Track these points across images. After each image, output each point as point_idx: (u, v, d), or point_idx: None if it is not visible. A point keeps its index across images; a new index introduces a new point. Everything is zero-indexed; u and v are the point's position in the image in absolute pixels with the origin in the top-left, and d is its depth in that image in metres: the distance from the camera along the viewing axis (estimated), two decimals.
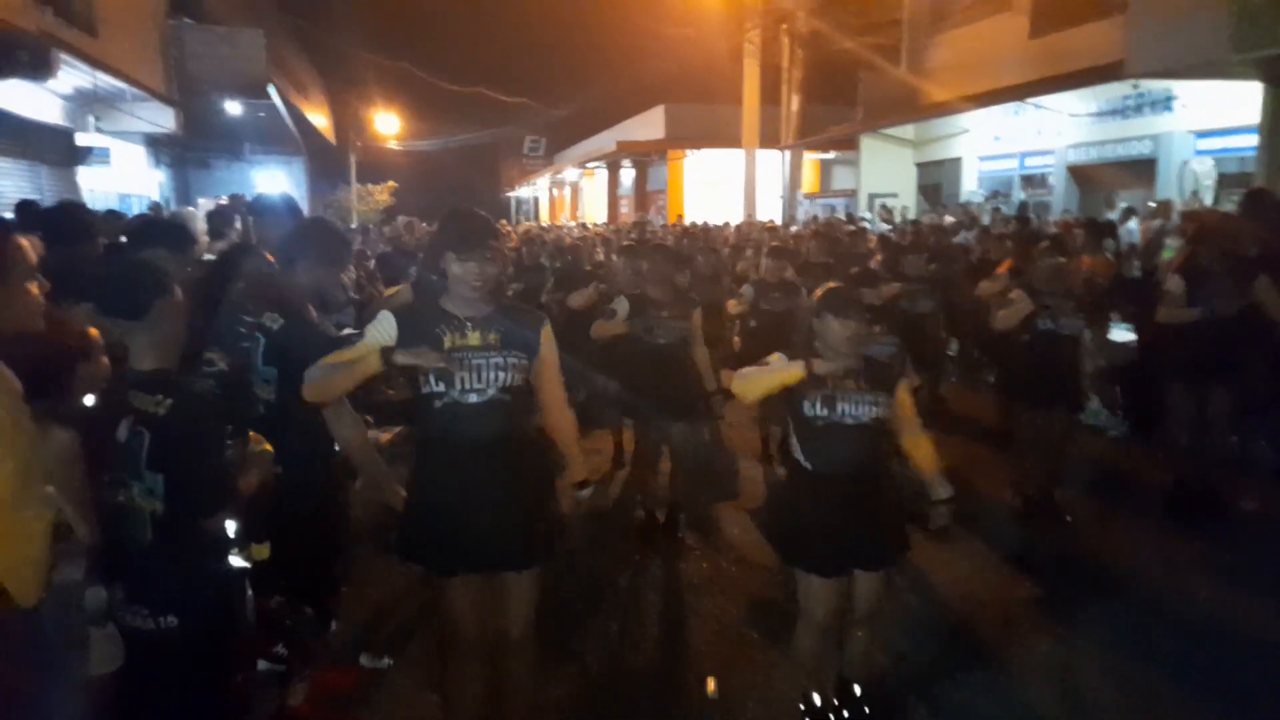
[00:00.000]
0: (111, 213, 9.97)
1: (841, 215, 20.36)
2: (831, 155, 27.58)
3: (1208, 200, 12.69)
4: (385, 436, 5.17)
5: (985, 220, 14.88)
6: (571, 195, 45.72)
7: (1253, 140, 11.81)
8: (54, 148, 14.16)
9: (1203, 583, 5.10)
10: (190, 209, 14.94)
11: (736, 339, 8.36)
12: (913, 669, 4.22)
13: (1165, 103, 14.58)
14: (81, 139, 14.88)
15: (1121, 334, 8.02)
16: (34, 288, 2.64)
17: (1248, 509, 6.06)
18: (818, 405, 3.38)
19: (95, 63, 12.40)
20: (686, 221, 20.99)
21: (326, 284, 3.99)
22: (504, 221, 25.31)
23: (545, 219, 44.56)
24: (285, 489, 3.15)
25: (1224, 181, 13.36)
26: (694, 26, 23.37)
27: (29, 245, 2.67)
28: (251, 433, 2.94)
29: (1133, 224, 12.17)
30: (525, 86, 40.39)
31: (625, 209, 34.78)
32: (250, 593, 2.96)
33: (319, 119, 29.86)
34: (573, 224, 27.96)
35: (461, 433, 2.99)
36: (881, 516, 3.50)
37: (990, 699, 4.01)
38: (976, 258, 10.18)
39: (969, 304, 8.12)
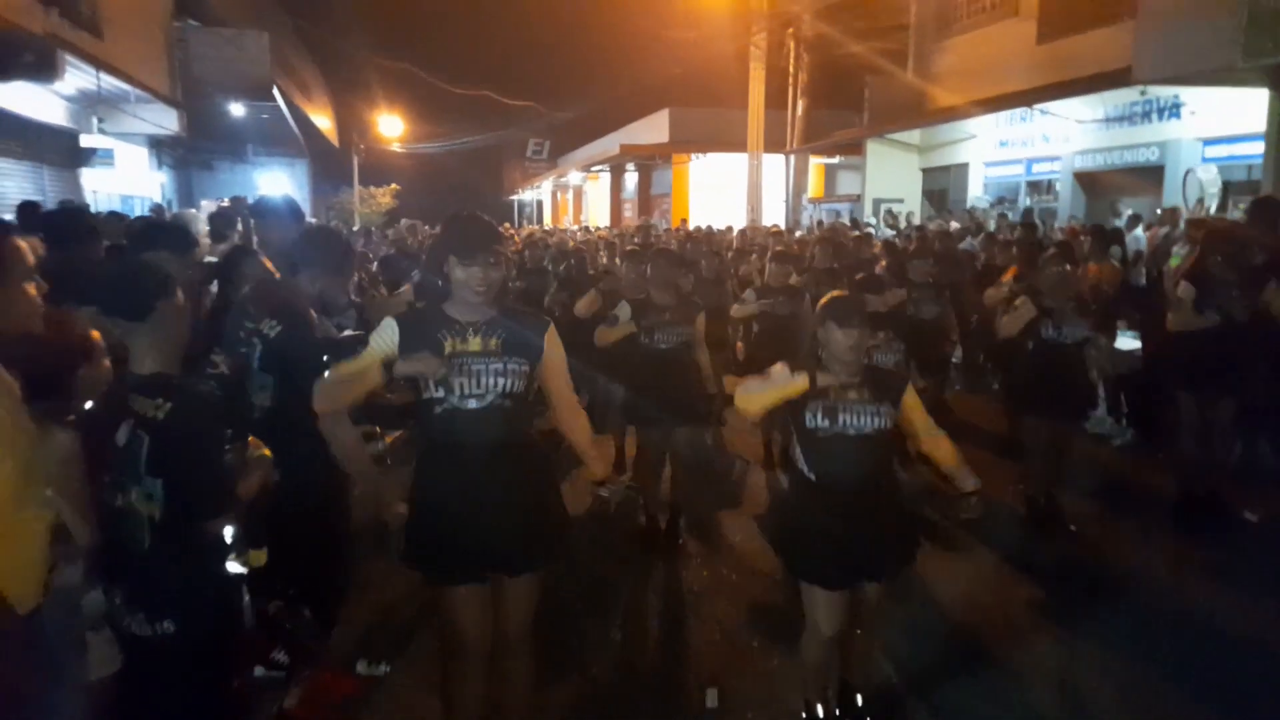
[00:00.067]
0: (114, 214, 9.98)
1: (846, 220, 20.34)
2: (836, 160, 27.59)
3: (1213, 208, 12.65)
4: (388, 439, 5.16)
5: (991, 226, 14.83)
6: (575, 199, 45.78)
7: (1260, 148, 11.78)
8: (58, 149, 14.21)
9: (1209, 591, 5.07)
10: (192, 211, 14.97)
11: (740, 344, 8.34)
12: (916, 676, 4.18)
13: (1173, 109, 14.56)
14: (85, 140, 14.94)
15: (1127, 341, 7.98)
16: (32, 289, 2.62)
17: (1253, 517, 6.02)
18: (820, 416, 3.34)
19: (100, 64, 12.43)
20: (690, 226, 20.97)
21: (330, 292, 3.98)
22: (507, 224, 25.31)
23: (548, 222, 44.61)
24: (283, 494, 3.13)
25: (1232, 189, 13.32)
26: (699, 30, 23.34)
27: (27, 247, 2.66)
28: (251, 438, 2.92)
29: (1139, 231, 12.14)
30: (529, 89, 40.48)
31: (629, 213, 34.77)
32: (248, 598, 2.94)
33: (322, 121, 29.95)
34: (576, 228, 27.95)
35: (462, 438, 2.98)
36: (888, 527, 3.47)
37: (994, 706, 3.98)
38: (982, 264, 10.16)
39: (974, 310, 8.08)
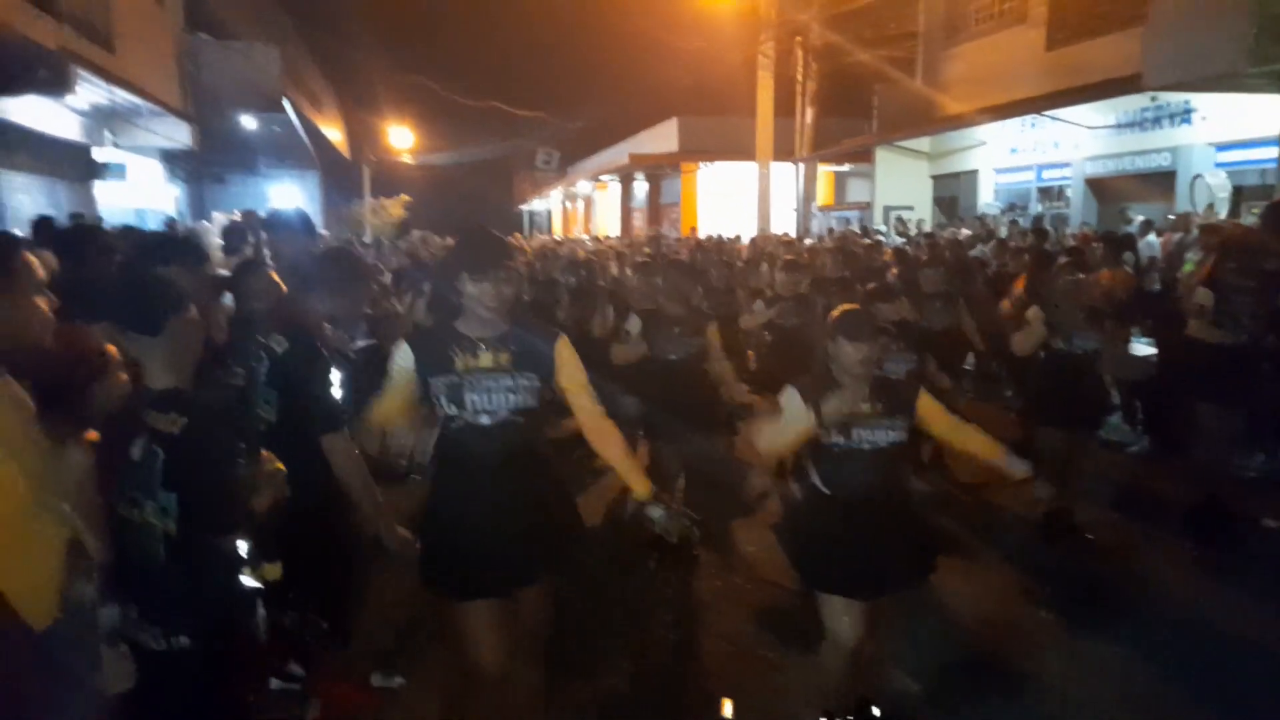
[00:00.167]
0: (128, 228, 10.03)
1: (856, 228, 20.31)
2: (846, 168, 27.53)
3: (1223, 213, 12.59)
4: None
5: (1002, 233, 14.79)
6: (584, 208, 45.81)
7: (1273, 152, 11.73)
8: (71, 163, 14.29)
9: (1234, 604, 5.01)
10: (205, 224, 15.04)
11: (751, 354, 8.31)
12: (933, 687, 4.16)
13: (1184, 115, 14.50)
14: (98, 154, 15.02)
15: (1142, 348, 7.94)
16: (43, 303, 2.63)
17: (1274, 525, 5.97)
18: (833, 432, 3.35)
19: (112, 78, 12.50)
20: (700, 235, 20.96)
21: (343, 313, 3.99)
22: (517, 234, 25.35)
23: (558, 232, 44.64)
24: (294, 508, 3.13)
25: (1245, 194, 13.26)
26: (708, 39, 23.36)
27: (38, 261, 2.67)
28: (264, 452, 2.92)
29: (1152, 237, 12.08)
30: (538, 100, 40.53)
31: (638, 222, 34.76)
32: (263, 610, 2.94)
33: (333, 133, 30.07)
34: (585, 237, 27.97)
35: (475, 454, 3.00)
36: (904, 538, 3.45)
37: (1010, 718, 3.95)
38: (993, 271, 10.12)
39: (986, 319, 8.04)
